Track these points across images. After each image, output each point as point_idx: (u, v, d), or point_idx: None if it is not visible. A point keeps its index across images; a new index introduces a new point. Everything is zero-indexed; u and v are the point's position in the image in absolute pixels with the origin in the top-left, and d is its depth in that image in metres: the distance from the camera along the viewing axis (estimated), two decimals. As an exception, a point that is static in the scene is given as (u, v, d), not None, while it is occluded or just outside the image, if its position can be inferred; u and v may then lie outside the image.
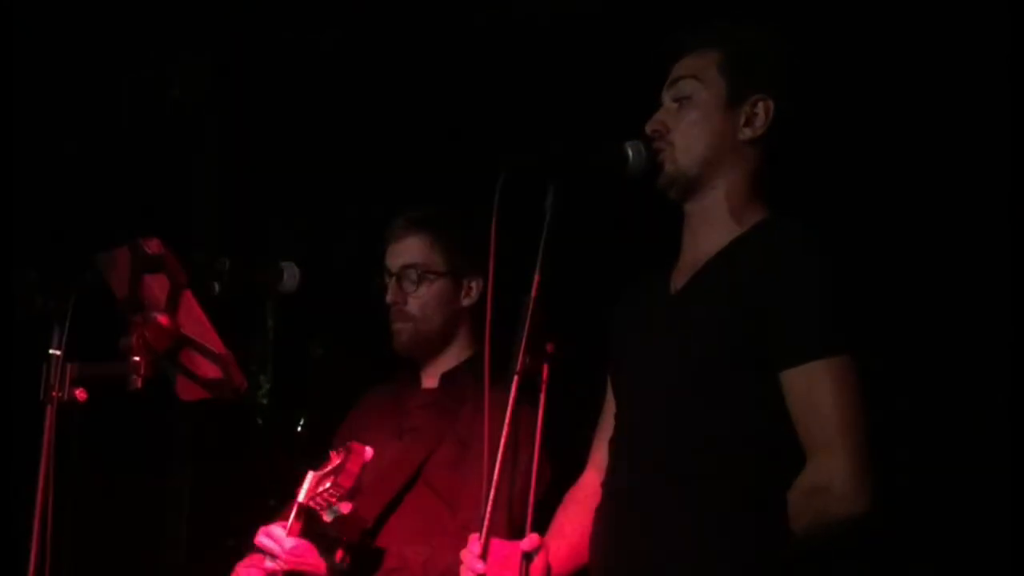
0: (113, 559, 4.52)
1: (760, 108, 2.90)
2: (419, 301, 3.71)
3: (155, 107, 4.97)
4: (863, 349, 2.77)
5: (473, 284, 3.74)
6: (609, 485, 2.94)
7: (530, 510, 2.74)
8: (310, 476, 3.40)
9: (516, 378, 2.67)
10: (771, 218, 2.91)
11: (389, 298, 3.72)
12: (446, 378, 3.74)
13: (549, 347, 2.70)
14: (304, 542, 3.39)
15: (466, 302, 3.74)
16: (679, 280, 2.96)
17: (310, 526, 3.40)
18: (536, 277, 2.71)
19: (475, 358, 3.73)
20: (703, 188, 2.92)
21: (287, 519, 3.46)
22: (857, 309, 2.80)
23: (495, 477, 2.69)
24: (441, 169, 4.47)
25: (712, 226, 2.92)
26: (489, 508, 2.70)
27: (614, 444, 2.97)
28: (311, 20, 4.82)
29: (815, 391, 2.73)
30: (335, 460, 3.36)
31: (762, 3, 3.71)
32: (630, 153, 2.87)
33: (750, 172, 2.92)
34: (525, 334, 2.68)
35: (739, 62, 2.90)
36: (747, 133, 2.91)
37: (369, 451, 3.32)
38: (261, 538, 3.46)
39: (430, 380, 3.78)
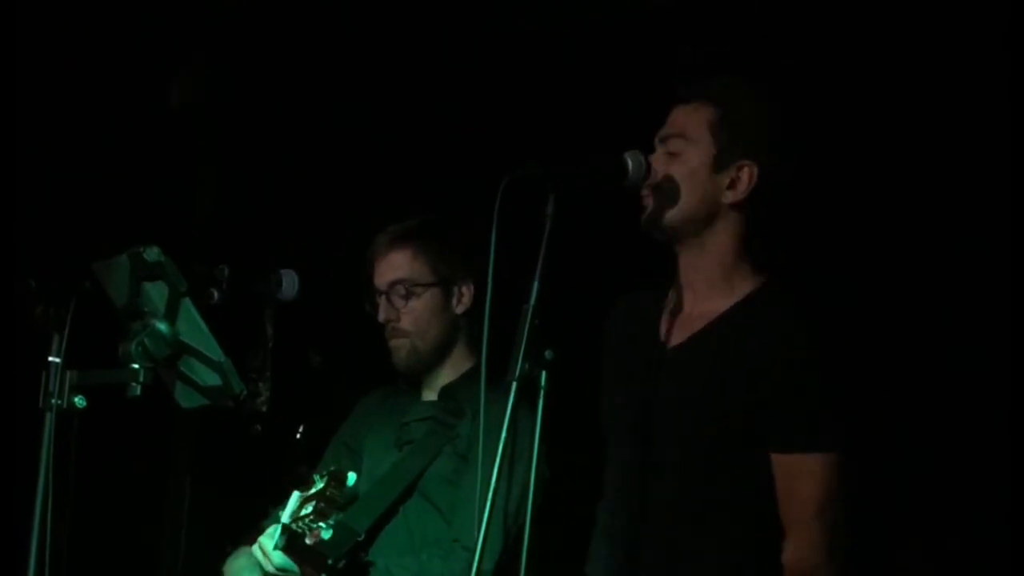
0: (112, 566, 4.52)
1: (744, 173, 2.96)
2: (412, 315, 3.69)
3: (155, 115, 4.98)
4: (854, 448, 2.92)
5: (464, 289, 3.72)
6: (610, 521, 3.04)
7: (528, 516, 2.75)
8: (295, 496, 3.42)
9: (515, 385, 2.68)
10: (764, 288, 2.99)
11: (381, 317, 3.70)
12: (445, 391, 3.73)
13: (547, 354, 2.70)
14: (288, 561, 3.43)
15: (459, 308, 3.72)
16: (676, 333, 3.02)
17: (294, 544, 3.40)
18: (535, 285, 2.72)
19: (474, 370, 3.72)
20: (687, 241, 2.99)
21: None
22: (853, 403, 2.94)
23: (491, 487, 2.69)
24: (442, 178, 4.48)
25: (705, 285, 3.00)
26: (485, 518, 2.69)
27: (612, 481, 3.07)
28: (312, 28, 4.83)
29: (797, 480, 2.89)
30: (319, 482, 3.37)
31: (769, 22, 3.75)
32: (630, 163, 2.90)
33: (736, 235, 2.99)
34: (524, 341, 2.69)
35: (730, 125, 2.96)
36: (729, 196, 2.96)
37: (352, 477, 3.32)
38: (255, 548, 3.51)
39: (429, 391, 3.77)
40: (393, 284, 3.70)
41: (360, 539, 3.48)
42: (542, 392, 2.71)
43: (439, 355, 3.73)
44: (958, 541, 3.65)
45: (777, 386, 2.86)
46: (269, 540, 3.47)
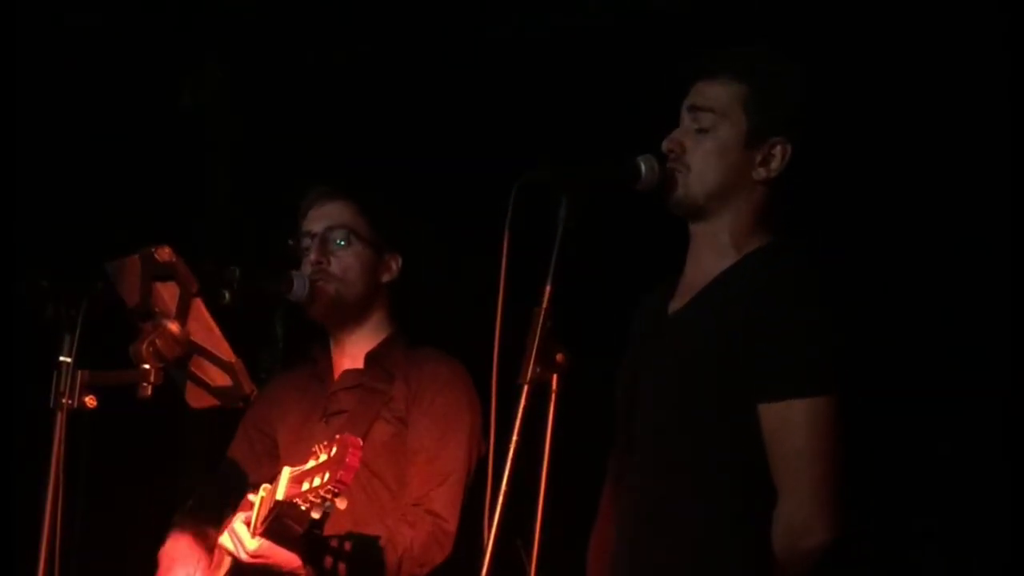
0: (122, 566, 4.52)
1: (777, 151, 2.92)
2: (341, 263, 3.67)
3: (166, 115, 4.98)
4: (847, 391, 2.79)
5: (392, 262, 3.73)
6: (619, 501, 3.01)
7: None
8: (287, 473, 3.30)
9: (526, 387, 2.68)
10: (769, 245, 2.94)
11: (313, 256, 3.67)
12: (371, 358, 3.70)
13: (559, 357, 2.70)
14: (268, 543, 3.33)
15: (385, 277, 3.72)
16: (677, 302, 3.00)
17: (277, 525, 3.31)
18: (547, 288, 2.72)
19: (393, 337, 3.72)
20: (709, 216, 2.94)
21: (247, 511, 3.43)
22: (846, 349, 2.82)
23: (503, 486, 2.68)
24: (447, 180, 4.48)
25: (713, 251, 2.95)
26: (494, 531, 2.68)
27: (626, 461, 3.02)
28: (323, 29, 4.84)
29: (785, 429, 2.78)
30: (320, 454, 3.21)
31: (772, 25, 3.75)
32: (643, 168, 2.89)
33: (758, 206, 2.94)
34: (535, 344, 2.69)
35: (763, 102, 2.91)
36: (761, 173, 2.92)
37: (360, 441, 3.19)
38: (223, 538, 3.43)
39: (348, 359, 3.74)
40: (331, 228, 3.70)
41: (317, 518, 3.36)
42: (554, 396, 2.71)
43: (359, 313, 3.70)
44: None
45: (758, 332, 2.78)
46: (244, 527, 3.39)
